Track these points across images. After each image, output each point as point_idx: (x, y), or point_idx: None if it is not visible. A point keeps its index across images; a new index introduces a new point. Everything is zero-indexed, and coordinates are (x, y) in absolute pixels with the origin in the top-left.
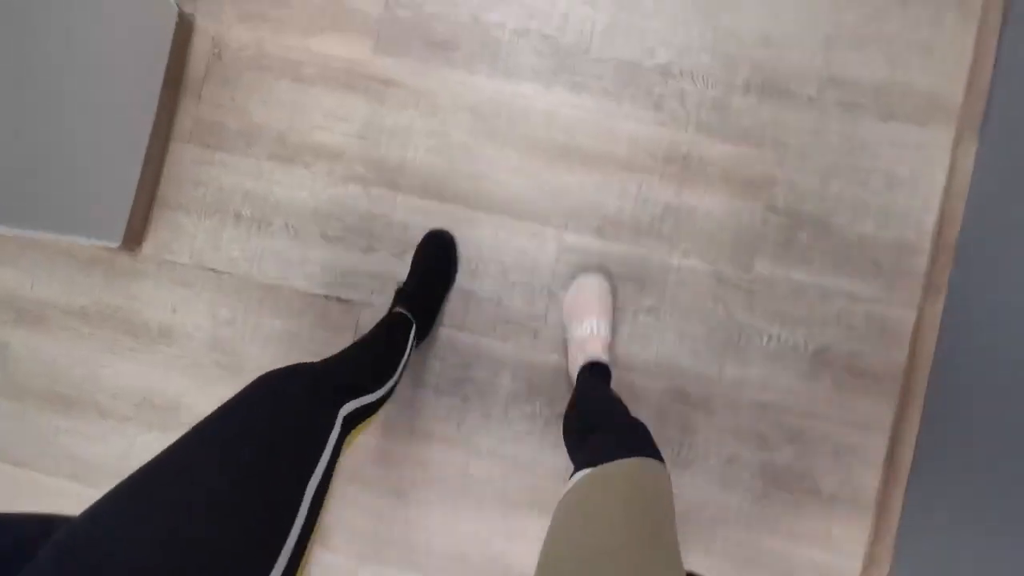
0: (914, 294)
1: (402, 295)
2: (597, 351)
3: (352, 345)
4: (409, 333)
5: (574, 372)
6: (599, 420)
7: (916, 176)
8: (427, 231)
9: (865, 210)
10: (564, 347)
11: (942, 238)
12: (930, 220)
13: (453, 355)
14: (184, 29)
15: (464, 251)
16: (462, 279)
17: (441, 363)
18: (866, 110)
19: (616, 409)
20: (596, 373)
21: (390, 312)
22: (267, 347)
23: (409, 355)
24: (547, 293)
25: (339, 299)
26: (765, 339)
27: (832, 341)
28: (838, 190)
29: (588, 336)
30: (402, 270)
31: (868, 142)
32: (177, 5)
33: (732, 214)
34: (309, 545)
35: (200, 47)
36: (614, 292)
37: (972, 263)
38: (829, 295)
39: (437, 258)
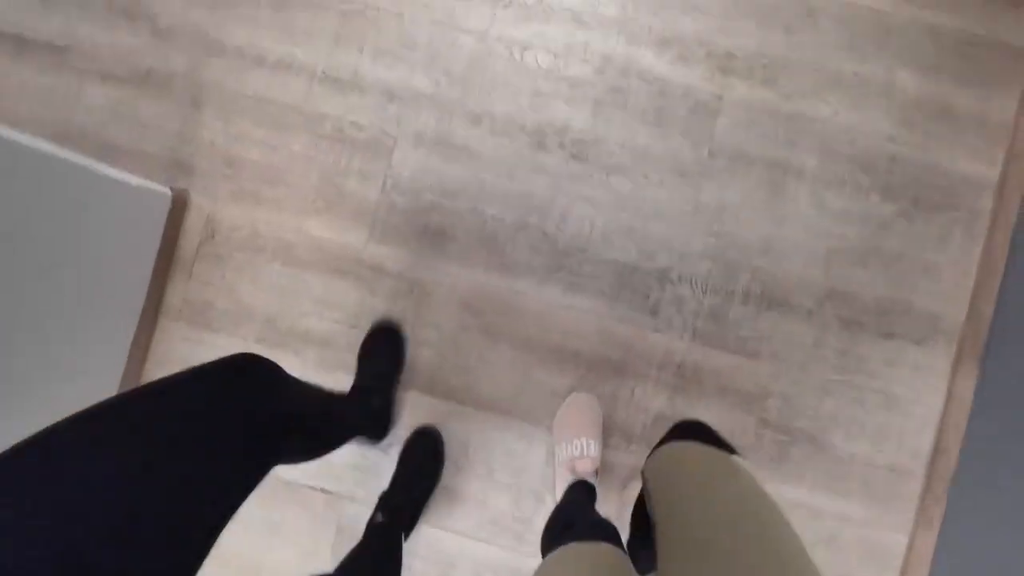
0: (907, 520)
1: (387, 503)
2: (587, 471)
3: (351, 561)
4: (400, 546)
5: (559, 494)
6: (576, 519)
7: (913, 398)
8: (414, 429)
9: (860, 429)
10: (552, 474)
11: (936, 469)
12: (926, 446)
13: (434, 555)
14: (178, 205)
15: (451, 447)
16: (447, 476)
17: (422, 562)
18: (865, 327)
19: (597, 517)
20: (584, 490)
21: (372, 521)
22: (247, 536)
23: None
24: (534, 495)
25: (323, 490)
26: None
27: (821, 563)
28: (833, 407)
29: (578, 455)
30: (388, 464)
31: (866, 359)
32: (171, 189)
33: (725, 426)
34: None
35: (193, 225)
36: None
37: (967, 501)
38: (820, 515)
39: (423, 458)
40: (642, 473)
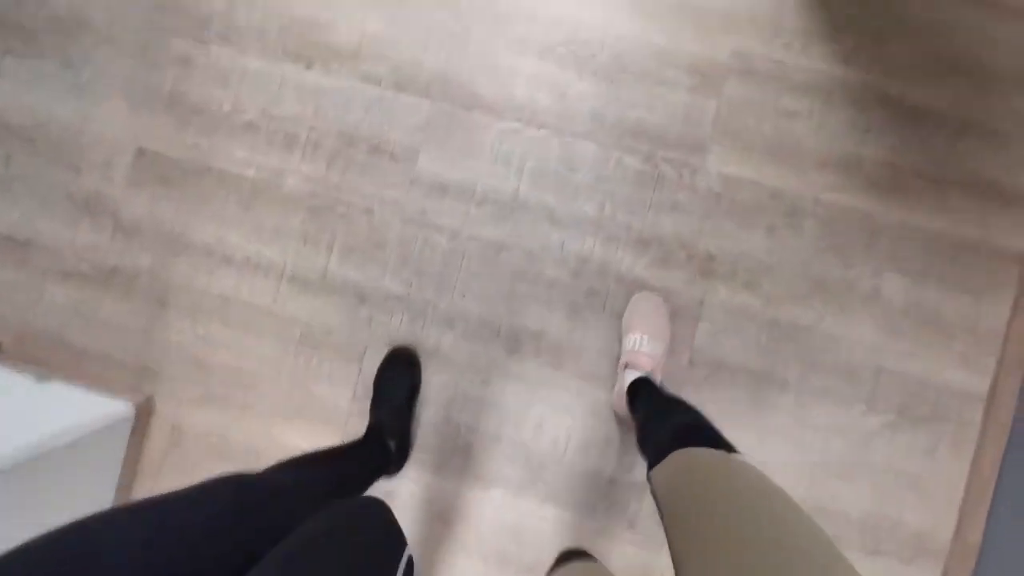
0: None
1: None
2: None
3: None
4: None
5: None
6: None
7: None
8: None
9: None
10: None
11: None
12: None
13: None
14: (143, 416)
15: None
16: None
17: None
18: (850, 544)
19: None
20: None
21: None
22: None
23: None
24: None
25: None
26: None
27: None
28: None
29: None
30: None
31: None
32: (135, 404)
33: None
34: None
35: (159, 432)
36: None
37: None
38: None
39: None
40: (648, 480)
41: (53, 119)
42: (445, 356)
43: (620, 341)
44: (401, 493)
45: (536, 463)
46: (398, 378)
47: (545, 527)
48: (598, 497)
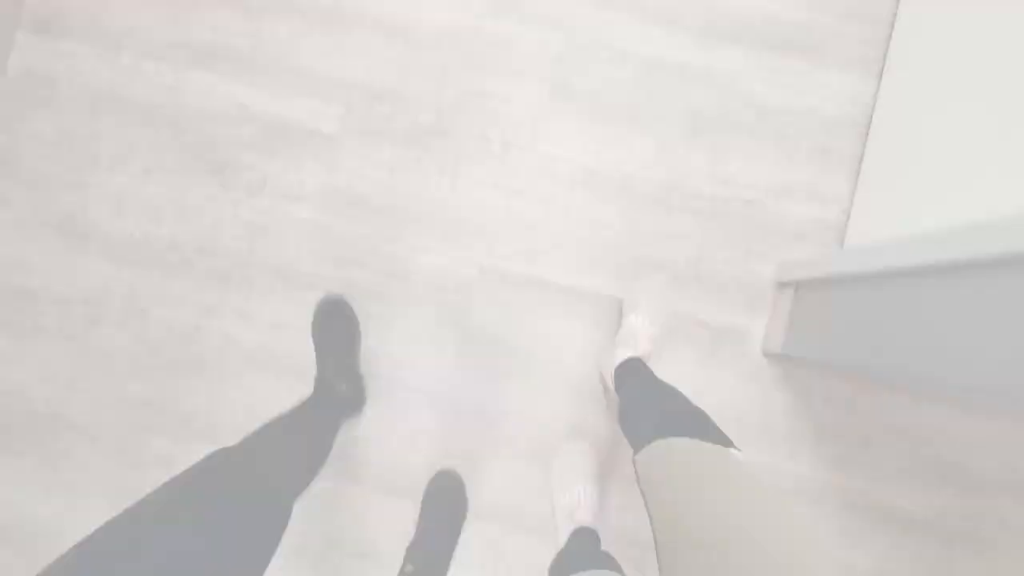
0: None
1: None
2: (586, 519)
3: None
4: None
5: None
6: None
7: None
8: None
9: None
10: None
11: None
12: None
13: None
14: None
15: None
16: None
17: None
18: None
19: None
20: (586, 537)
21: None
22: None
23: None
24: None
25: None
26: None
27: None
28: None
29: (576, 503)
30: None
31: None
32: None
33: None
34: None
35: None
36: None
37: None
38: None
39: None
40: (633, 463)
41: (32, 518)
42: None
43: (620, 320)
44: None
45: None
46: (334, 326)
47: None
48: None
